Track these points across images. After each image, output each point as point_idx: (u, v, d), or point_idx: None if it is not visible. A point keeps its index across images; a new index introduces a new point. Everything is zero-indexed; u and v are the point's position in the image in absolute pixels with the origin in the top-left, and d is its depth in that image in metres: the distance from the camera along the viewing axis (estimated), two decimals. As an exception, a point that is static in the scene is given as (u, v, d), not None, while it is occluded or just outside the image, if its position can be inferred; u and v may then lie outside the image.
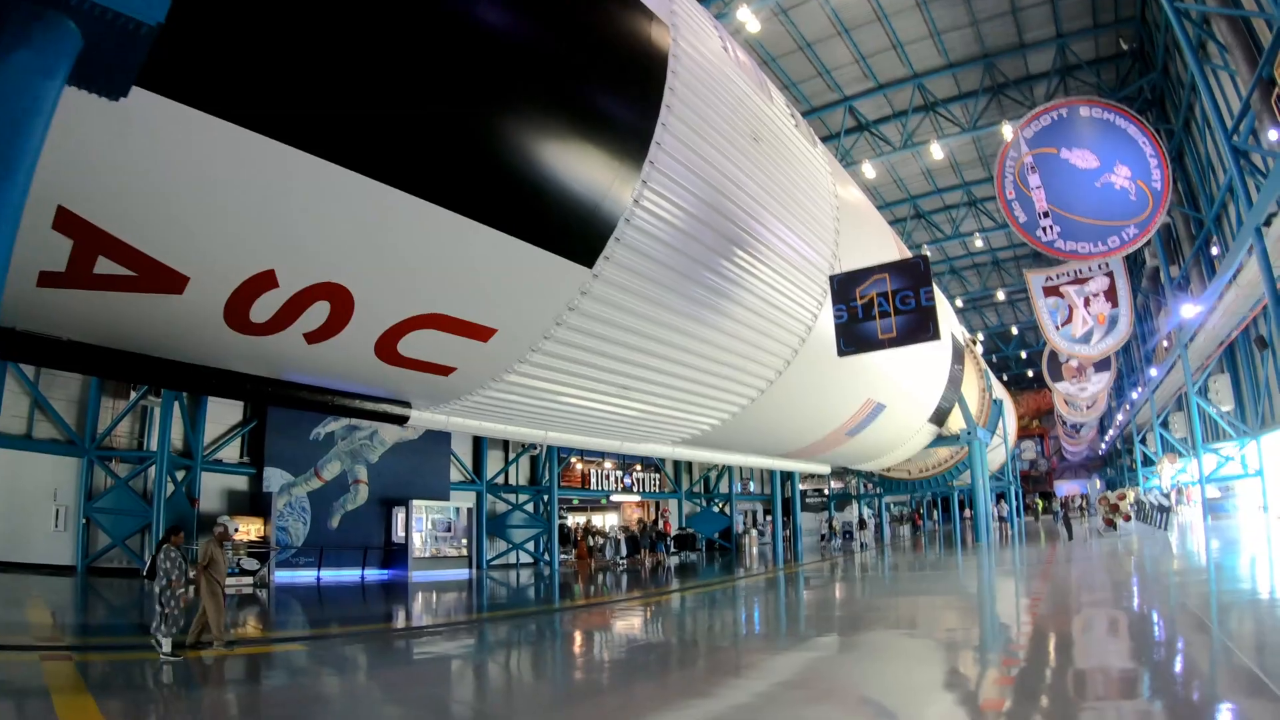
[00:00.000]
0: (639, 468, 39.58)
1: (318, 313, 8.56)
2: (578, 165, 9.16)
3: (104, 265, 7.00)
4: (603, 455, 35.79)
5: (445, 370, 10.79)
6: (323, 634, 14.46)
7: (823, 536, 41.79)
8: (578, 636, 13.99)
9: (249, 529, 21.95)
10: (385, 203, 7.66)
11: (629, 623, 15.67)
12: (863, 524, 44.39)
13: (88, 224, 6.59)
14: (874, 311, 12.27)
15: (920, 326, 11.93)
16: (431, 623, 16.27)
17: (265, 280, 7.88)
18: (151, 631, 10.37)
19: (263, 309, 8.22)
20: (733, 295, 12.47)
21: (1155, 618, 11.94)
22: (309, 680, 10.29)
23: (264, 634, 14.07)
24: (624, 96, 9.66)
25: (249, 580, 21.23)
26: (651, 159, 9.89)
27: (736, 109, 11.72)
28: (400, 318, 9.29)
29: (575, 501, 38.41)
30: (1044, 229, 22.66)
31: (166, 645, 10.21)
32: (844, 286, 12.66)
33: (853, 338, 12.46)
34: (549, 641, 13.60)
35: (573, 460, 36.46)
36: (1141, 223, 21.73)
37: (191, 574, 11.42)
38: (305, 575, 23.68)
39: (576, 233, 9.61)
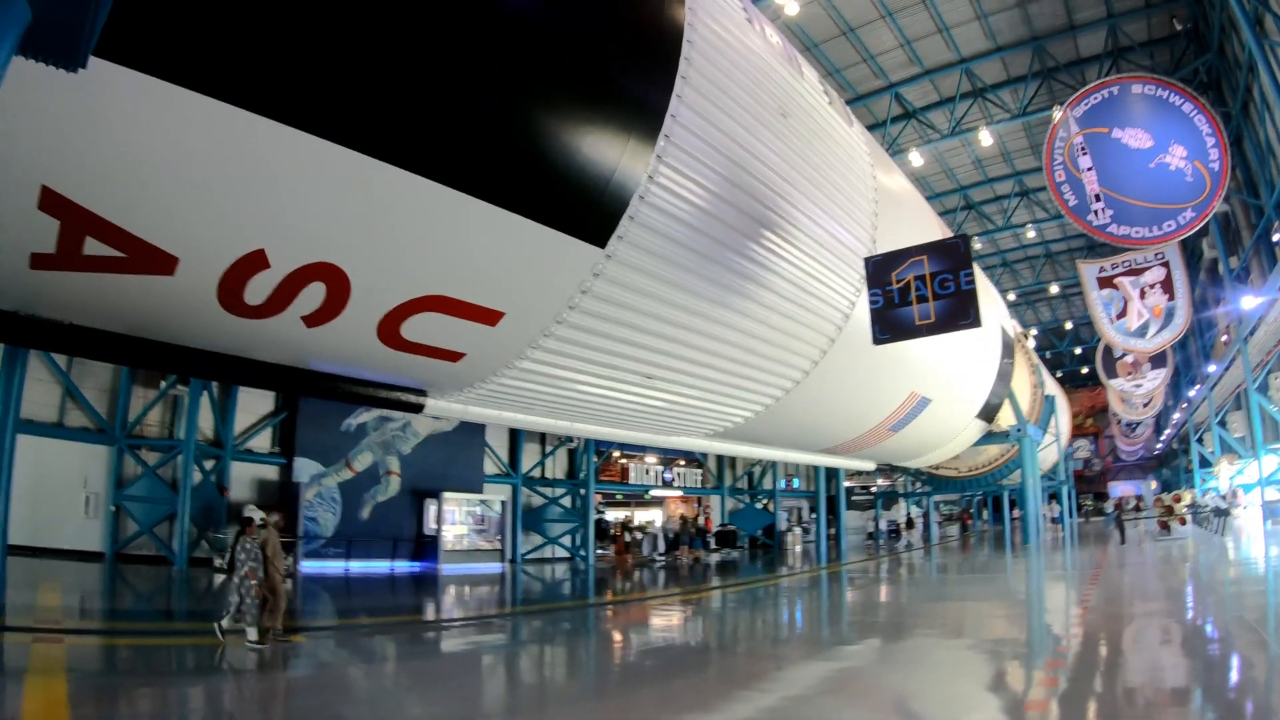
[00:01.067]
0: (682, 462, 39.04)
1: (314, 295, 8.21)
2: (585, 138, 8.65)
3: (93, 246, 6.79)
4: (643, 449, 35.27)
5: (454, 356, 10.33)
6: (344, 624, 14.48)
7: (870, 535, 41.11)
8: (599, 634, 13.65)
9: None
10: (376, 179, 7.31)
11: (653, 622, 15.22)
12: (910, 523, 43.57)
13: (72, 204, 6.38)
14: (911, 296, 11.53)
15: (960, 311, 11.14)
16: (449, 616, 15.99)
17: (256, 261, 7.57)
18: (225, 622, 10.70)
19: (257, 291, 7.89)
20: (761, 279, 11.88)
21: (1208, 632, 11.09)
22: (326, 672, 9.95)
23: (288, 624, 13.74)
24: (635, 66, 9.14)
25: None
26: (667, 133, 9.36)
27: (761, 83, 11.14)
28: (400, 300, 8.88)
29: (619, 496, 38.05)
30: (1095, 212, 21.73)
31: (252, 634, 10.55)
32: (879, 269, 11.95)
33: (888, 324, 11.73)
34: (567, 638, 13.23)
35: (614, 454, 36.02)
36: (1199, 205, 20.72)
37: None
38: (334, 566, 23.46)
39: (586, 210, 9.11)
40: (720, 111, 10.16)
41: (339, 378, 10.87)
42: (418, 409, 12.06)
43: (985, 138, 32.40)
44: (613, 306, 10.32)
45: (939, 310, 11.28)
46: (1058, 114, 23.35)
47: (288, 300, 8.18)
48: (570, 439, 31.18)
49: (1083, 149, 22.01)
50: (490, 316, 9.63)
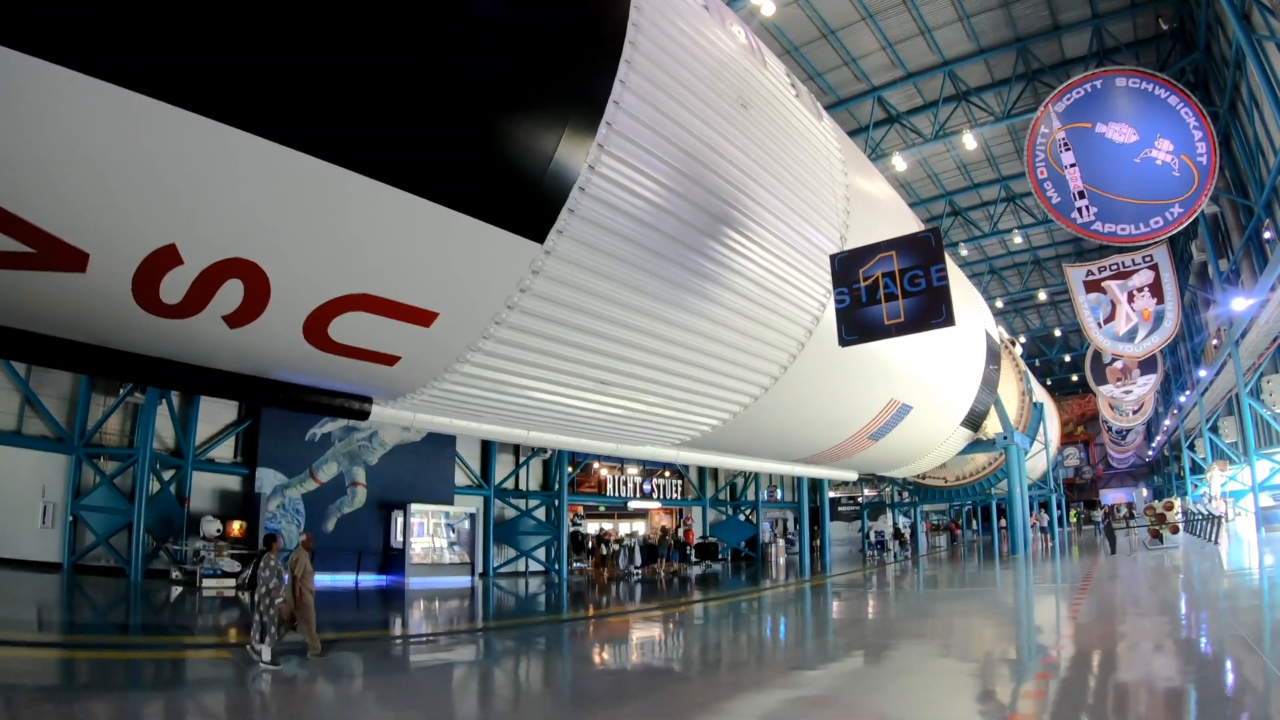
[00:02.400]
0: (668, 474, 38.35)
1: (232, 292, 7.65)
2: (517, 124, 8.09)
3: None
4: (621, 461, 34.58)
5: (389, 359, 9.72)
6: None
7: (870, 544, 40.59)
8: (549, 654, 12.96)
9: (234, 529, 21.28)
10: (291, 170, 6.81)
11: (610, 639, 14.57)
12: (898, 534, 42.89)
13: (-29, 196, 5.92)
14: (879, 294, 10.80)
15: (932, 310, 10.41)
16: (389, 633, 15.35)
17: (168, 256, 7.02)
18: (251, 641, 10.62)
19: (172, 288, 7.34)
20: (722, 280, 11.28)
21: (1203, 652, 10.28)
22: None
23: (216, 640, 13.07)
24: (573, 46, 8.57)
25: (230, 583, 20.27)
26: (609, 120, 8.76)
27: (718, 72, 10.57)
28: (324, 299, 8.27)
29: (602, 509, 37.30)
30: (1079, 210, 21.10)
31: (266, 654, 10.37)
32: (845, 267, 11.24)
33: (855, 324, 11.00)
34: (514, 658, 12.52)
35: (594, 465, 35.35)
36: (1187, 201, 20.11)
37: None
38: (297, 579, 22.57)
39: (520, 203, 8.51)
40: (671, 100, 9.56)
41: (272, 383, 10.22)
42: (363, 416, 11.44)
43: (969, 141, 31.80)
44: (557, 307, 9.69)
45: (909, 309, 10.58)
46: (1039, 109, 22.77)
47: (205, 299, 7.62)
48: (544, 449, 30.50)
49: (1065, 145, 21.41)
50: (423, 317, 9.02)
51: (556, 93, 8.35)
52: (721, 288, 11.37)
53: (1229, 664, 8.99)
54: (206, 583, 19.67)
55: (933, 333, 19.32)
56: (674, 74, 9.60)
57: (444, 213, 7.92)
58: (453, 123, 7.68)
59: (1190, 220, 20.91)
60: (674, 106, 9.58)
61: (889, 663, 10.98)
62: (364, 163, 7.17)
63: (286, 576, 11.49)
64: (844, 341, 10.95)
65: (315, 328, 8.58)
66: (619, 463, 35.26)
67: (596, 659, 12.78)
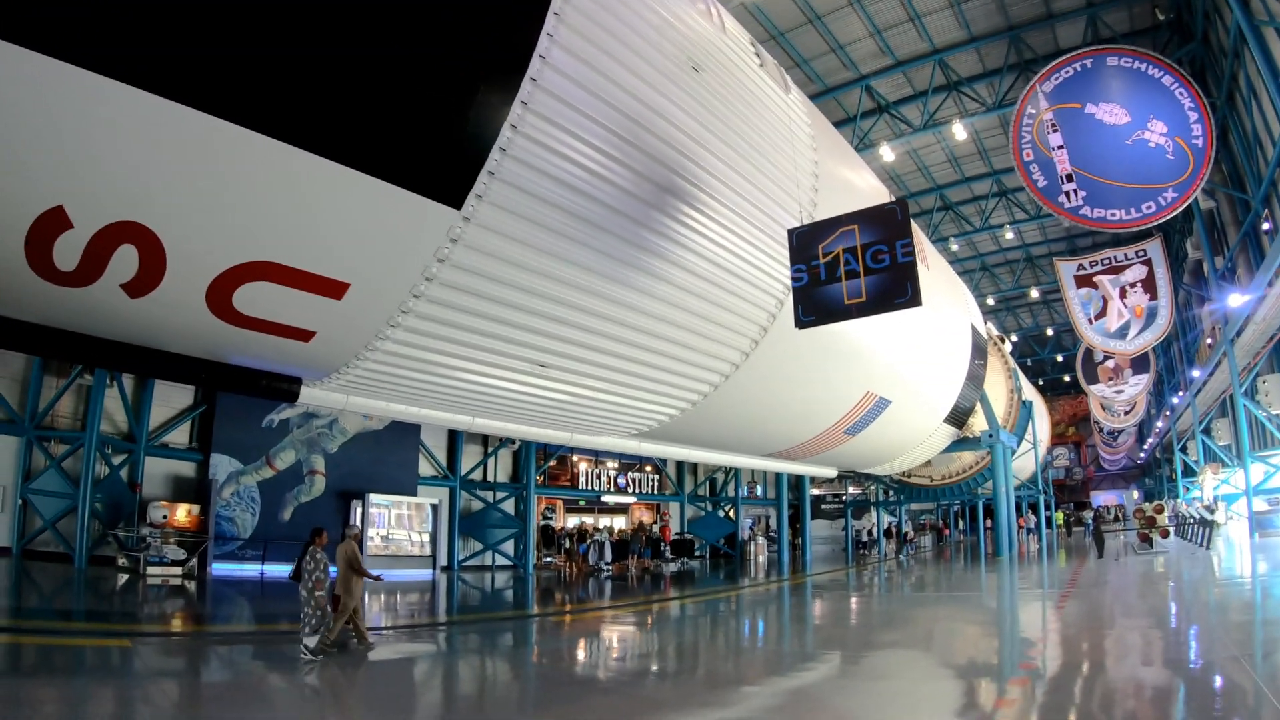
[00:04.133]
0: (648, 468, 37.55)
1: (126, 259, 7.15)
2: (425, 76, 7.43)
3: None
4: (596, 453, 33.75)
5: (304, 334, 9.04)
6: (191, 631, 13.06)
7: (862, 542, 40.21)
8: (482, 653, 12.10)
9: (177, 515, 20.52)
10: (178, 127, 6.33)
11: (553, 639, 13.68)
12: (889, 533, 42.26)
13: None
14: (839, 271, 9.96)
15: (896, 288, 9.50)
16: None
17: (57, 219, 6.63)
18: (311, 642, 10.45)
19: (65, 254, 6.91)
20: (671, 256, 10.53)
21: (1194, 677, 9.00)
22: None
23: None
24: (491, -9, 7.80)
25: (177, 571, 19.62)
26: (534, 75, 8.04)
27: (665, 31, 9.83)
28: (223, 267, 7.66)
29: (582, 502, 36.48)
30: (1067, 194, 20.29)
31: (312, 643, 10.31)
32: (804, 242, 10.37)
33: (813, 304, 10.12)
34: (445, 658, 11.67)
35: (575, 458, 34.57)
36: (1181, 185, 19.30)
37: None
38: (249, 569, 22.12)
39: (432, 163, 7.83)
40: (608, 57, 8.82)
41: (188, 359, 9.58)
42: (291, 397, 10.86)
43: (959, 131, 31.03)
44: (481, 280, 8.95)
45: (872, 287, 9.69)
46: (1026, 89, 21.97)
47: (101, 265, 7.13)
48: (512, 440, 29.66)
49: (1053, 126, 20.61)
50: (333, 288, 8.34)
51: (472, 43, 7.64)
52: (672, 265, 10.62)
53: (1219, 686, 8.10)
54: (151, 570, 18.99)
55: (913, 323, 18.89)
56: (611, 29, 8.86)
57: (348, 174, 7.30)
58: (355, 75, 7.04)
59: (1185, 205, 20.09)
60: (611, 65, 8.84)
61: (848, 676, 10.22)
62: (257, 119, 6.61)
63: (334, 569, 11.38)
64: (800, 323, 10.10)
65: (219, 298, 7.98)
66: (594, 455, 34.46)
67: (525, 662, 11.98)
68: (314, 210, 7.54)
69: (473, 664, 11.84)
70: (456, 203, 8.03)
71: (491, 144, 7.93)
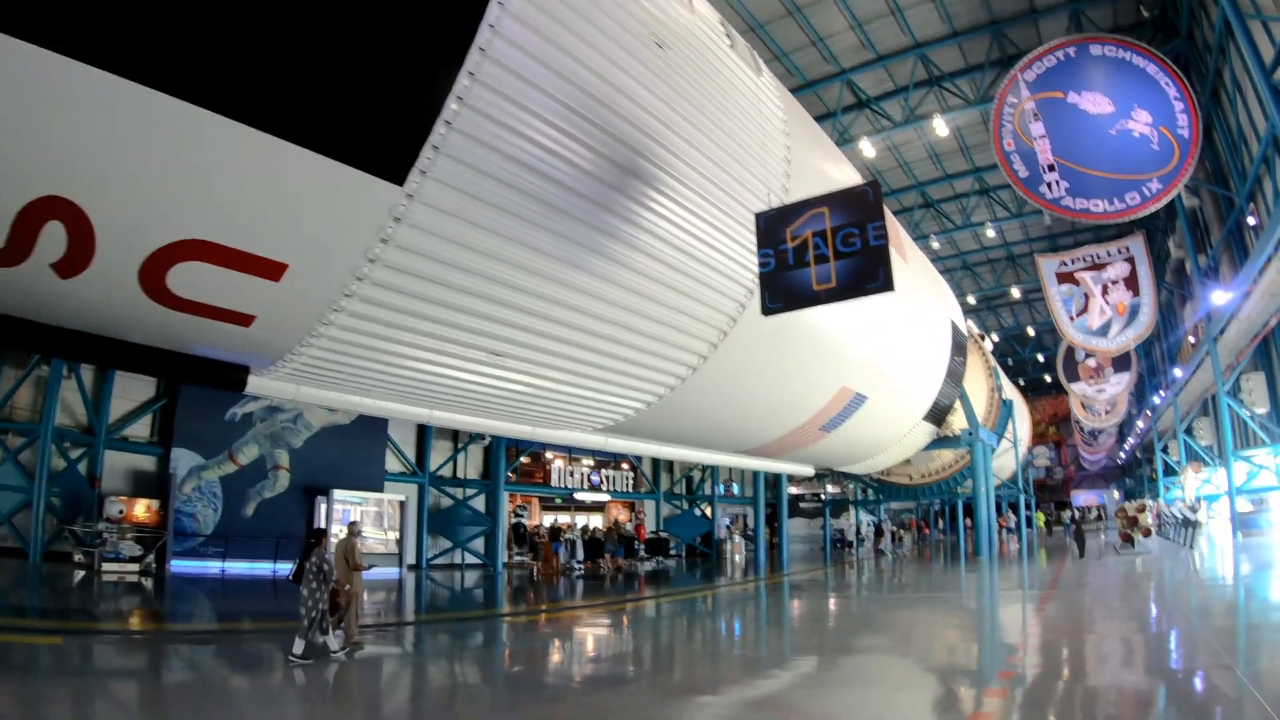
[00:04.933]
0: (625, 465, 37.04)
1: (54, 237, 6.81)
2: (362, 45, 7.01)
3: None
4: (569, 450, 33.16)
5: (244, 319, 8.61)
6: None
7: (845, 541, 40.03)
8: (456, 652, 11.65)
9: (135, 510, 19.94)
10: (100, 95, 5.97)
11: (502, 642, 13.16)
12: (880, 532, 42.00)
13: None
14: (808, 256, 9.49)
15: (868, 273, 9.03)
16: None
17: None
18: (329, 641, 10.38)
19: None
20: (633, 240, 10.08)
21: (1180, 685, 8.29)
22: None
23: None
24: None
25: (134, 567, 19.15)
26: (482, 46, 7.60)
27: (626, 4, 9.41)
28: (154, 245, 7.26)
29: (558, 500, 35.97)
30: (1049, 184, 19.85)
31: (299, 648, 10.00)
32: (772, 226, 9.87)
33: (780, 290, 9.61)
34: (412, 656, 11.21)
35: (550, 455, 34.01)
36: (1166, 176, 18.89)
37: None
38: (210, 566, 21.56)
39: (372, 135, 7.41)
40: (563, 29, 8.37)
41: (127, 345, 9.08)
42: (238, 386, 10.40)
43: (940, 126, 30.57)
44: (429, 262, 8.51)
45: (842, 272, 9.20)
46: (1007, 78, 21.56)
47: (29, 244, 6.81)
48: (482, 435, 29.08)
49: (1035, 115, 20.19)
50: (270, 269, 7.92)
51: (415, 10, 7.17)
52: (635, 251, 10.19)
53: (1210, 697, 7.63)
54: (107, 566, 18.51)
55: (891, 318, 18.51)
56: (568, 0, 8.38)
57: (282, 147, 6.89)
58: (288, 41, 6.62)
59: (1170, 196, 19.67)
60: (567, 37, 8.40)
61: (819, 684, 9.79)
62: (183, 87, 6.21)
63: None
64: (767, 309, 9.63)
65: (152, 279, 7.59)
66: (567, 452, 33.92)
67: (493, 664, 11.52)
68: (247, 186, 7.14)
69: (439, 665, 11.38)
70: (399, 179, 7.60)
71: (435, 117, 7.49)
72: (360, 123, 7.19)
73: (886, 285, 8.94)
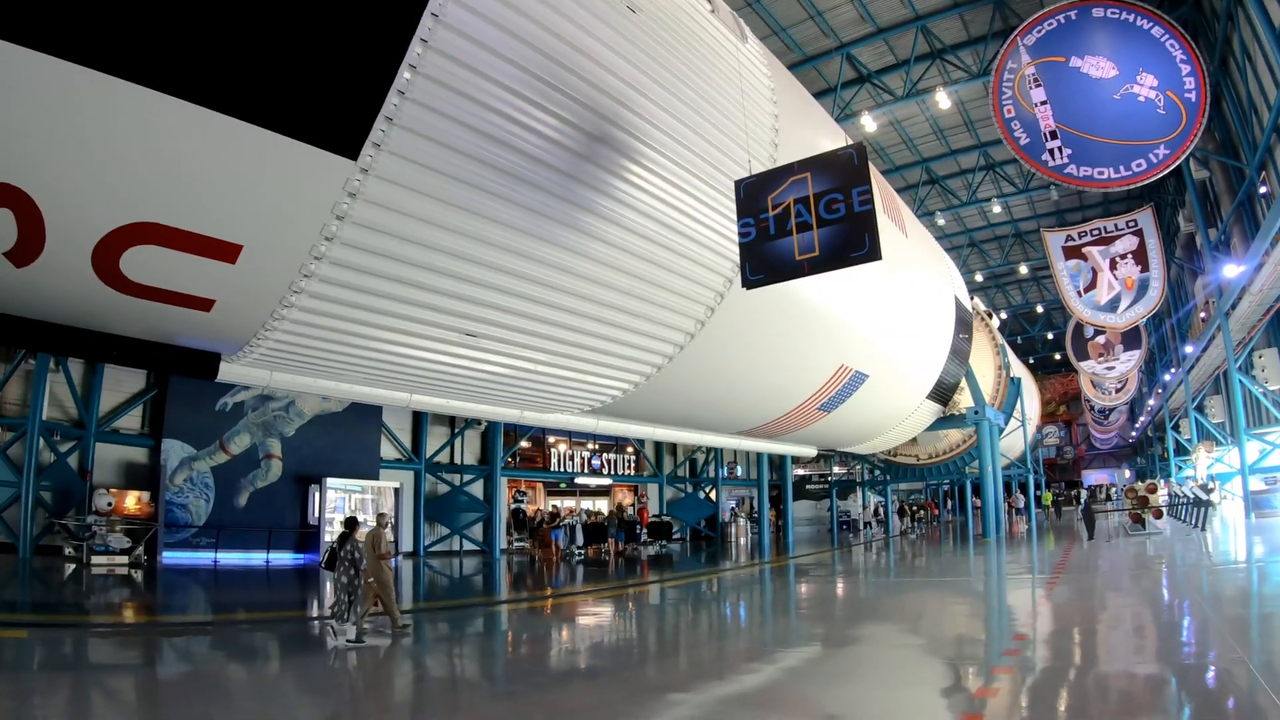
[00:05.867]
0: (630, 449, 36.68)
1: (4, 225, 6.69)
2: (306, 14, 6.71)
3: None
4: (569, 433, 32.73)
5: (203, 303, 8.34)
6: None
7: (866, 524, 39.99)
8: (438, 642, 11.31)
9: (126, 502, 19.60)
10: (43, 80, 5.82)
11: (486, 632, 12.77)
12: (901, 512, 41.82)
13: None
14: (790, 224, 9.04)
15: (853, 240, 8.57)
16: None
17: None
18: (335, 620, 10.48)
19: None
20: (607, 213, 9.70)
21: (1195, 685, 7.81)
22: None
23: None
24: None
25: (123, 560, 18.82)
26: (435, 10, 7.33)
27: (594, -38, 8.89)
28: (105, 229, 7.07)
29: (563, 485, 35.61)
30: (1051, 152, 19.22)
31: (352, 632, 10.28)
32: (752, 194, 9.40)
33: (761, 261, 9.15)
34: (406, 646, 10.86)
35: (551, 440, 33.62)
36: (1174, 141, 18.25)
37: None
38: (203, 558, 21.22)
39: (320, 110, 7.07)
40: (524, -10, 7.93)
41: (91, 334, 8.90)
42: (210, 375, 10.19)
43: (943, 99, 29.92)
44: (389, 239, 8.15)
45: (825, 239, 8.71)
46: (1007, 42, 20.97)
47: None
48: (478, 421, 28.67)
49: (1035, 81, 19.58)
50: (224, 250, 7.64)
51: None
52: (610, 224, 9.82)
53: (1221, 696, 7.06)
54: (96, 559, 18.21)
55: (890, 293, 18.07)
56: (526, -44, 8.00)
57: (229, 124, 6.63)
58: (229, 13, 6.33)
59: (1178, 162, 19.02)
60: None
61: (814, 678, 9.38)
62: (124, 66, 5.98)
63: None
64: (748, 282, 9.18)
65: (106, 265, 7.39)
66: (567, 435, 33.52)
67: (484, 652, 11.19)
68: (195, 166, 6.89)
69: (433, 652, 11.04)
70: (352, 153, 7.27)
71: (388, 87, 7.15)
72: (309, 96, 6.87)
73: (873, 254, 8.46)
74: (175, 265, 7.55)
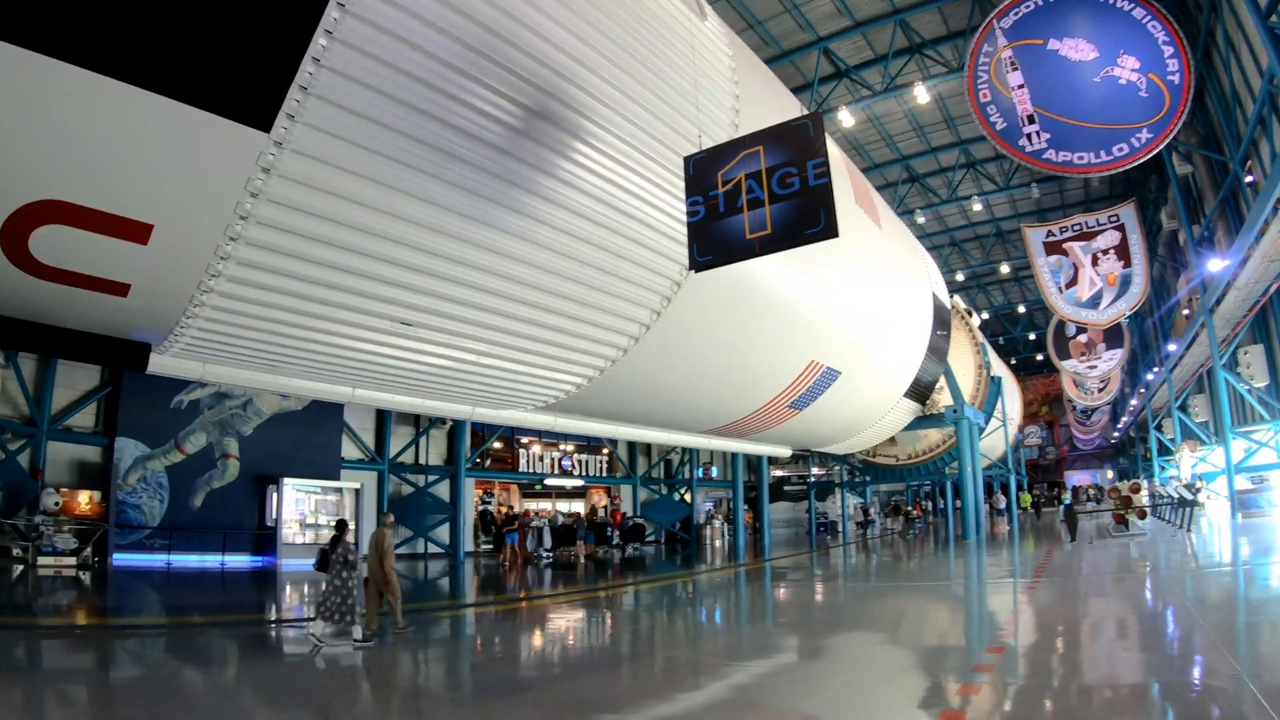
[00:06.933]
0: (605, 450, 36.12)
1: None
2: None
3: None
4: (540, 433, 32.13)
5: (119, 288, 7.88)
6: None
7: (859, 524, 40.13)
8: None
9: (75, 503, 19.06)
10: None
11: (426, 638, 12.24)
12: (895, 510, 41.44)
13: None
14: (741, 201, 8.51)
15: (808, 217, 7.99)
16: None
17: None
18: (320, 620, 10.29)
19: None
20: (549, 194, 9.21)
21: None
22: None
23: None
24: None
25: (71, 561, 18.28)
26: (351, -27, 6.68)
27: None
28: (9, 209, 6.65)
29: (537, 487, 35.04)
30: (1029, 136, 18.61)
31: (358, 632, 10.29)
32: (702, 170, 8.87)
33: (711, 241, 8.61)
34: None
35: (524, 440, 33.03)
36: (1157, 125, 17.66)
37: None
38: (156, 559, 20.60)
39: (227, 78, 6.62)
40: (450, -53, 7.45)
41: (20, 322, 8.54)
42: (139, 366, 9.73)
43: (922, 94, 29.43)
44: (309, 218, 7.66)
45: (778, 217, 8.12)
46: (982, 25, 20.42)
47: None
48: (443, 419, 28.03)
49: (1012, 64, 18.99)
50: (135, 230, 7.20)
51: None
52: (553, 205, 9.31)
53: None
54: (43, 560, 17.71)
55: (865, 286, 17.57)
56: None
57: (132, 93, 6.16)
58: None
59: (1161, 146, 18.33)
60: (454, -36, 7.49)
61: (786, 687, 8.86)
62: (25, 35, 5.57)
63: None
64: (696, 265, 8.63)
65: (15, 247, 7.01)
66: (538, 435, 32.92)
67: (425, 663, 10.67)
68: (101, 139, 6.43)
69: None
70: (264, 125, 6.80)
71: (302, 54, 6.67)
72: (217, 64, 6.40)
73: (829, 230, 7.88)
74: (85, 246, 7.14)
